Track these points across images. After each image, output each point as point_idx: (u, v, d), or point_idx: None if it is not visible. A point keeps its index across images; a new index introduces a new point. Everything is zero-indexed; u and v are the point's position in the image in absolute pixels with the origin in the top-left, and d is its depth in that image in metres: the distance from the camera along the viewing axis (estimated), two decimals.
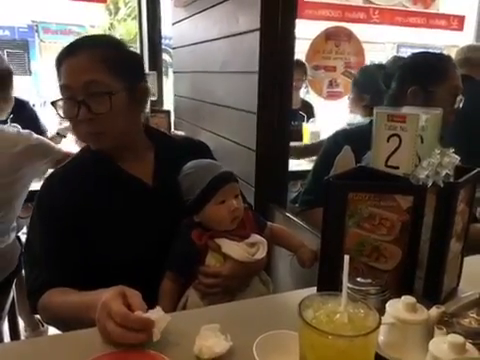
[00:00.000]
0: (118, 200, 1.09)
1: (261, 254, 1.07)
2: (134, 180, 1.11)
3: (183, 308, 1.06)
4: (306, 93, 3.79)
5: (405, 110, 0.89)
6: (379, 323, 0.54)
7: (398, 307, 0.65)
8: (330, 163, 1.14)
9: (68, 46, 1.05)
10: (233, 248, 1.06)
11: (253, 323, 0.83)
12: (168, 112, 2.57)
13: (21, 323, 2.17)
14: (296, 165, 2.44)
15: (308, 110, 3.15)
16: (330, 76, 3.83)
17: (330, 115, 3.67)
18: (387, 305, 0.66)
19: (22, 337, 2.15)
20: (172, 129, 2.52)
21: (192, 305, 1.06)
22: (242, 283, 1.08)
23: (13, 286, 1.85)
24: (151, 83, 2.62)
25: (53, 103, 1.04)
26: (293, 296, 0.98)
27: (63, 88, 1.03)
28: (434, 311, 0.67)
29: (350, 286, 0.73)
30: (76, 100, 1.00)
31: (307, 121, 2.99)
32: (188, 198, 1.08)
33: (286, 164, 1.52)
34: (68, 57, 1.02)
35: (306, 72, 3.09)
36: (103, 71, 1.01)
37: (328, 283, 0.87)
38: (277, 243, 1.22)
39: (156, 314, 0.76)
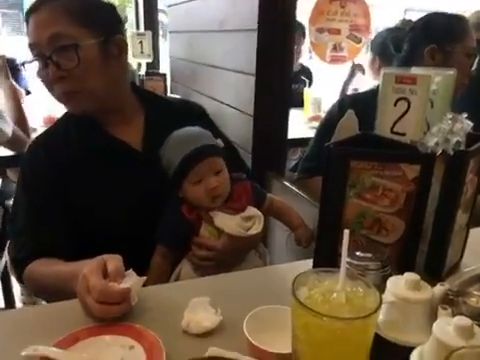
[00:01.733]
0: (104, 166, 1.03)
1: (256, 229, 1.02)
2: (121, 145, 1.05)
3: (176, 279, 1.03)
4: (310, 58, 3.67)
5: (414, 71, 0.82)
6: (380, 304, 0.49)
7: (400, 284, 0.60)
8: (333, 129, 1.08)
9: (33, 3, 0.97)
10: (226, 222, 1.00)
11: (246, 296, 0.79)
12: (164, 75, 2.46)
13: (18, 288, 2.16)
14: (296, 132, 2.35)
15: (306, 75, 3.03)
16: (334, 39, 3.66)
17: (333, 80, 3.55)
18: (388, 282, 0.61)
19: (18, 302, 2.15)
20: (168, 93, 2.42)
21: (185, 276, 1.02)
22: (237, 257, 1.04)
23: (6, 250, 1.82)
24: (146, 43, 2.52)
25: (23, 64, 0.97)
26: (289, 269, 0.93)
27: (31, 47, 0.96)
28: (438, 289, 0.62)
29: (348, 260, 0.68)
30: (44, 57, 0.93)
31: (309, 86, 2.88)
32: (168, 173, 1.01)
33: (285, 130, 1.45)
34: (32, 14, 0.95)
35: (304, 34, 2.95)
36: (67, 23, 0.93)
37: (325, 256, 0.83)
38: (276, 218, 1.16)
39: (131, 280, 0.73)
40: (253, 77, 1.37)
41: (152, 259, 1.01)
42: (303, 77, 2.99)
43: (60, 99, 1.00)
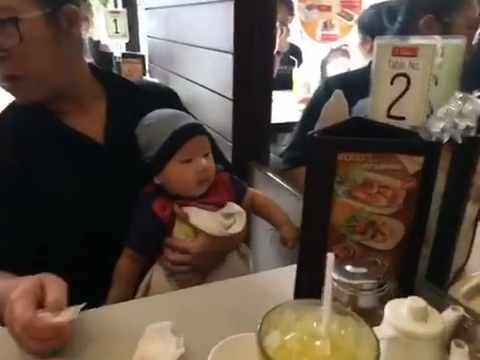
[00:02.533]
0: (60, 163, 0.88)
1: (238, 227, 0.90)
2: (80, 137, 0.90)
3: (146, 288, 0.90)
4: (301, 38, 3.51)
5: (415, 40, 0.67)
6: (378, 355, 0.36)
7: (402, 313, 0.47)
8: (318, 114, 0.94)
9: None
10: (204, 219, 0.87)
11: (218, 316, 0.66)
12: (142, 57, 2.29)
13: None
14: (286, 115, 2.21)
15: (296, 55, 2.87)
16: (324, 17, 3.49)
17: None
18: (387, 309, 0.48)
19: None
20: (146, 76, 2.25)
21: (157, 285, 0.90)
22: (216, 260, 0.91)
23: None
24: (121, 22, 2.34)
25: None
26: (272, 277, 0.81)
27: None
28: (450, 316, 0.50)
29: (336, 277, 0.55)
30: None
31: (298, 66, 2.72)
32: (147, 156, 0.88)
33: (268, 115, 1.30)
34: None
35: (292, 9, 2.77)
36: None
37: (310, 268, 0.69)
38: (259, 215, 1.04)
39: (69, 311, 0.59)
40: (231, 55, 1.22)
41: (117, 264, 0.88)
42: (292, 57, 2.83)
43: (1, 86, 0.85)
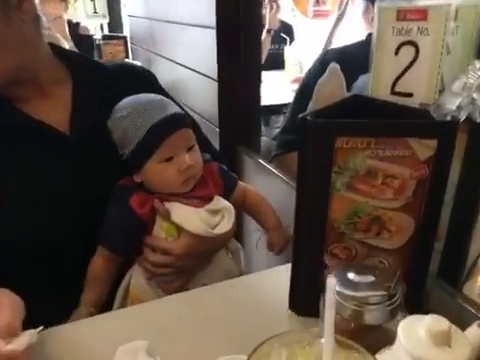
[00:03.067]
0: (19, 158, 0.78)
1: (226, 225, 0.80)
2: (41, 127, 0.79)
3: (125, 292, 0.81)
4: (293, 16, 3.37)
5: (424, 1, 0.56)
6: None
7: (419, 337, 0.38)
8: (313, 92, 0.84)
9: None
10: (188, 217, 0.78)
11: (204, 332, 0.57)
12: (124, 38, 2.16)
13: None
14: (279, 96, 2.10)
15: (287, 33, 2.74)
16: None
17: (317, 39, 3.25)
18: (401, 332, 0.39)
19: None
20: (129, 59, 2.13)
21: (136, 288, 0.81)
22: (202, 261, 0.83)
23: None
24: (99, 1, 2.20)
25: None
26: (265, 280, 0.72)
27: None
28: (475, 333, 0.41)
29: (337, 289, 0.45)
30: None
31: (290, 44, 2.60)
32: (123, 152, 0.77)
33: (258, 96, 1.19)
34: None
35: None
36: None
37: (305, 272, 0.60)
38: (248, 213, 0.95)
39: (25, 336, 0.50)
40: (213, 30, 1.11)
41: (90, 264, 0.78)
42: (283, 34, 2.70)
43: None
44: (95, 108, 0.81)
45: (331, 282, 0.31)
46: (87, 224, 0.78)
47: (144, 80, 0.94)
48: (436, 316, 0.39)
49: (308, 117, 0.52)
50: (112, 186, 0.80)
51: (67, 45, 2.12)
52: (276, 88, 2.24)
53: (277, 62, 2.62)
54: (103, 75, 0.88)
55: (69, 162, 0.80)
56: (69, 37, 2.29)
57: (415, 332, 0.39)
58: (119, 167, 0.79)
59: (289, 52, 2.54)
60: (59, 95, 0.83)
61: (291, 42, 2.67)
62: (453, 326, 0.39)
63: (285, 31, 2.79)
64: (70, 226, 0.78)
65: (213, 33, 1.11)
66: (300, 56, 2.51)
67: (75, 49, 2.21)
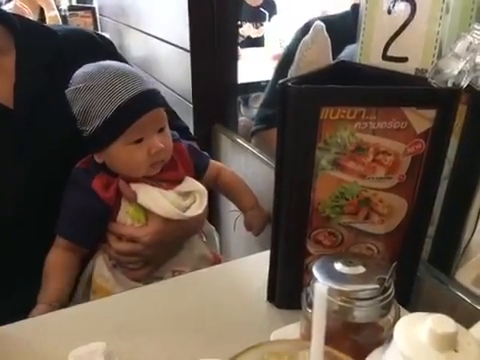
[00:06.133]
0: None
1: (198, 208, 0.74)
2: None
3: (87, 284, 0.74)
4: None
5: None
6: None
7: (421, 341, 0.32)
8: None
9: None
10: (157, 199, 0.71)
11: (174, 331, 0.50)
12: (92, 9, 2.02)
13: None
14: (258, 74, 2.02)
15: (270, 6, 2.64)
16: None
17: (299, 12, 3.14)
18: (396, 333, 0.33)
19: None
20: (98, 30, 1.99)
21: (100, 278, 0.74)
22: (172, 248, 0.76)
23: None
24: None
25: None
26: (243, 268, 0.65)
27: None
28: None
29: (322, 281, 0.39)
30: None
31: (269, 19, 2.50)
32: (83, 128, 0.68)
33: (235, 70, 1.11)
34: None
35: None
36: None
37: (286, 261, 0.53)
38: (224, 193, 0.89)
39: None
40: None
41: (47, 258, 0.71)
42: (262, 9, 2.59)
43: None
44: (43, 77, 0.72)
45: (321, 289, 0.24)
46: (37, 207, 0.70)
47: (100, 45, 0.84)
48: (440, 315, 0.33)
49: (289, 83, 0.45)
50: (64, 165, 0.72)
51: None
52: (255, 65, 2.15)
53: (257, 40, 2.53)
54: (52, 41, 0.78)
55: (12, 138, 0.71)
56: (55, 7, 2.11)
57: (414, 334, 0.33)
58: (72, 144, 0.70)
59: (269, 27, 2.44)
60: (0, 64, 0.73)
61: (270, 17, 2.56)
62: (460, 327, 0.33)
63: (268, 7, 2.68)
64: (13, 210, 0.70)
65: (184, 1, 1.02)
66: (281, 32, 2.42)
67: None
